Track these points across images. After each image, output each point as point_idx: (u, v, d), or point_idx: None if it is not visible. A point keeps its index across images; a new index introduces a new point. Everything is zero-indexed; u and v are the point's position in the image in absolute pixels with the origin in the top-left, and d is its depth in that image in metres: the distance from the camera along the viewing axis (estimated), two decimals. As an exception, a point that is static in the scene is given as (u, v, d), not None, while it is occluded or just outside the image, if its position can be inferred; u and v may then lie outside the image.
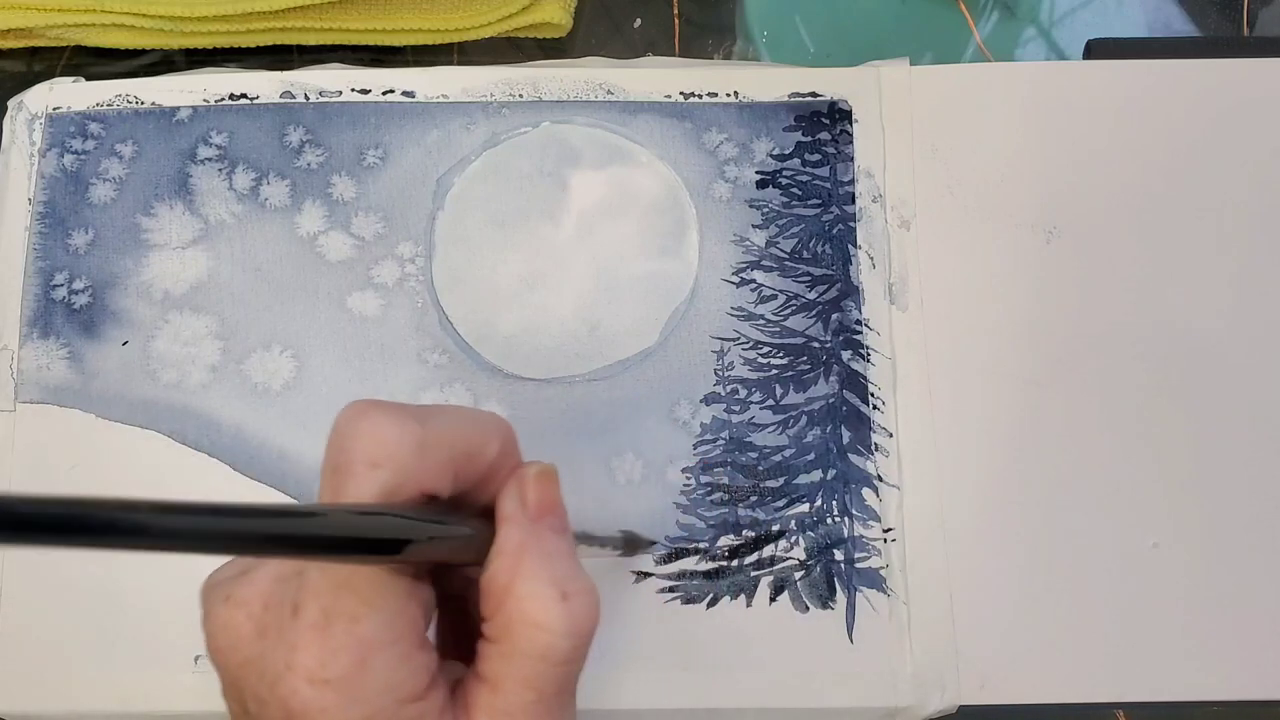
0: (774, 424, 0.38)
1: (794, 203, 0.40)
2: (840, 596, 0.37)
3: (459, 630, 0.27)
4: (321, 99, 0.41)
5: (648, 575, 0.37)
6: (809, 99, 0.41)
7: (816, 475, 0.38)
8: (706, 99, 0.41)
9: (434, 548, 0.23)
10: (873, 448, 0.38)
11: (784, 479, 0.38)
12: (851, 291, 0.39)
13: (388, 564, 0.23)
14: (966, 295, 0.39)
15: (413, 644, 0.24)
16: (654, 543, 0.37)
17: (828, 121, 0.41)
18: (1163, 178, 0.40)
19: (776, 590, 0.37)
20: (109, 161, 0.41)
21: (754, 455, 0.38)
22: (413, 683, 0.23)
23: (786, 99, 0.41)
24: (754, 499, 0.37)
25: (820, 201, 0.40)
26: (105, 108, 0.41)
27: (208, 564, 0.37)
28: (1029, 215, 0.40)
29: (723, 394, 0.38)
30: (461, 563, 0.25)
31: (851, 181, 0.40)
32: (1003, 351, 0.39)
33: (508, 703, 0.24)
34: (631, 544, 0.35)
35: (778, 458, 0.38)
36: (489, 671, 0.24)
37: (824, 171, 0.40)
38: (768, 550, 0.37)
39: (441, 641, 0.27)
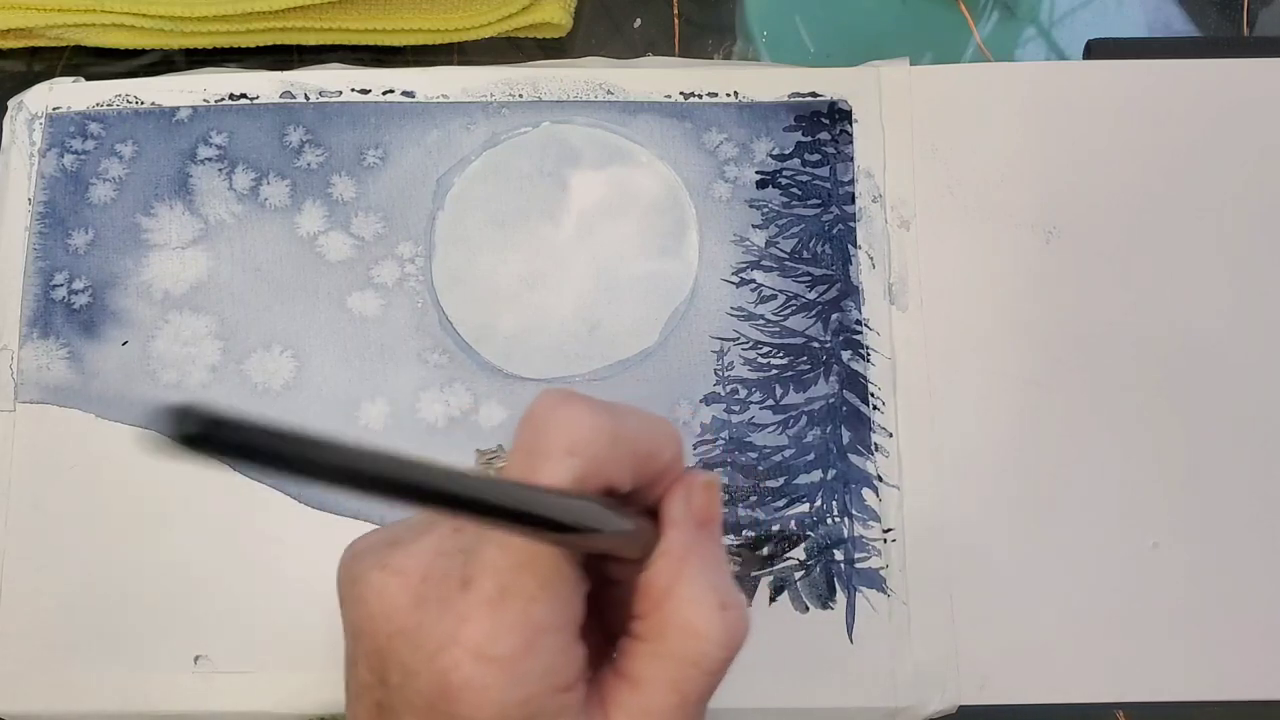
0: (774, 424, 0.38)
1: (794, 203, 0.40)
2: (840, 596, 0.37)
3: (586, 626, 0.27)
4: (321, 99, 0.41)
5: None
6: (809, 99, 0.41)
7: (816, 475, 0.38)
8: (706, 99, 0.41)
9: (613, 539, 0.24)
10: (873, 448, 0.38)
11: (784, 479, 0.38)
12: (851, 291, 0.39)
13: (573, 546, 0.23)
14: (966, 295, 0.39)
15: (574, 634, 0.24)
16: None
17: (828, 121, 0.41)
18: (1162, 178, 0.40)
19: (776, 590, 0.37)
20: (109, 161, 0.41)
21: (754, 455, 0.38)
22: (568, 672, 0.23)
23: (786, 99, 0.41)
24: (754, 499, 0.37)
25: (820, 201, 0.40)
26: (105, 108, 0.41)
27: (207, 565, 0.37)
28: (1029, 215, 0.40)
29: (723, 394, 0.38)
30: (626, 558, 0.25)
31: (851, 181, 0.40)
32: (1002, 351, 0.39)
33: (651, 703, 0.24)
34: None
35: (778, 458, 0.38)
36: (634, 670, 0.24)
37: (824, 171, 0.40)
38: (767, 550, 0.37)
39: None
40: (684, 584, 0.24)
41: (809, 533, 0.37)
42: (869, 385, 0.38)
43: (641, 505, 0.26)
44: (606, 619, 0.26)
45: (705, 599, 0.24)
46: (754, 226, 0.40)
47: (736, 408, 0.38)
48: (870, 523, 0.37)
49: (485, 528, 0.23)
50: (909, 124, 0.41)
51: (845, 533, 0.37)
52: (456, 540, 0.24)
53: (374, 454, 0.18)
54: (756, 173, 0.40)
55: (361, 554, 0.25)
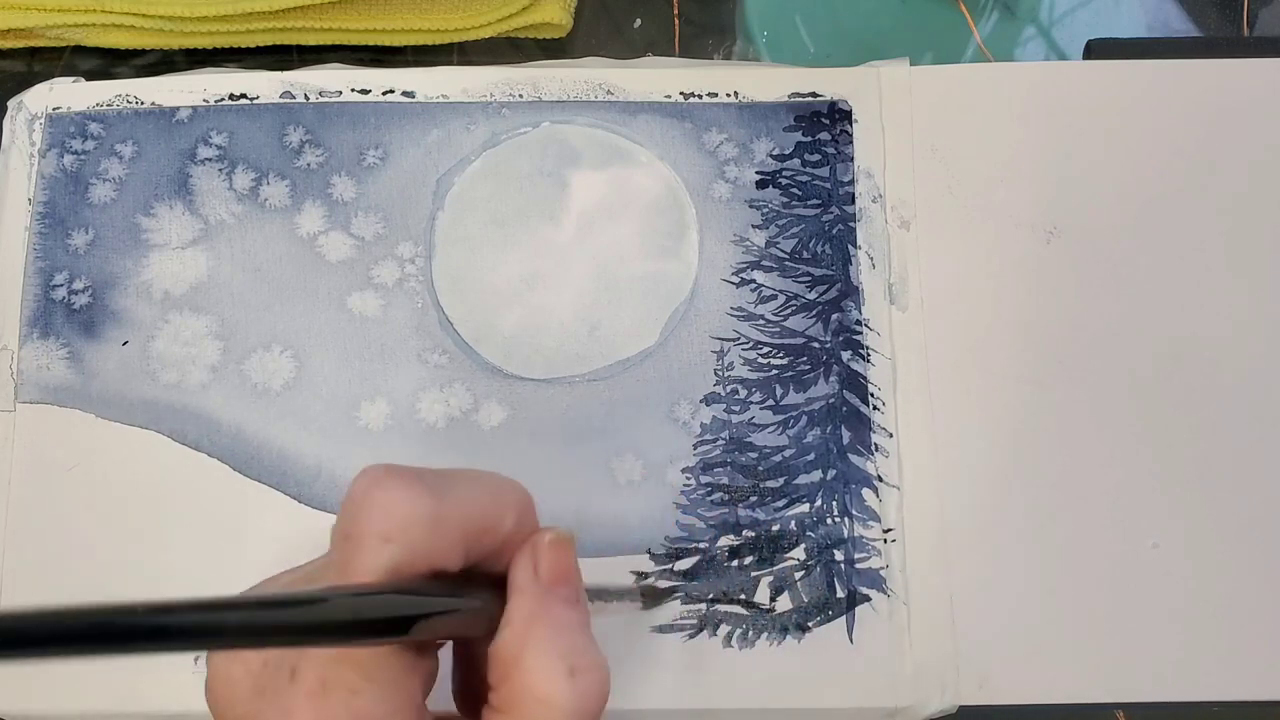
0: (774, 424, 0.38)
1: (794, 203, 0.40)
2: (840, 596, 0.37)
3: (478, 687, 0.27)
4: (321, 99, 0.41)
5: (646, 575, 0.37)
6: (809, 99, 0.41)
7: (816, 475, 0.38)
8: (706, 99, 0.41)
9: (441, 623, 0.23)
10: (873, 448, 0.38)
11: (784, 479, 0.38)
12: (851, 292, 0.39)
13: (394, 644, 0.23)
14: (966, 295, 0.39)
15: (409, 716, 0.23)
16: (676, 591, 0.36)
17: (828, 121, 0.41)
18: (1162, 178, 0.40)
19: (776, 590, 0.37)
20: (109, 162, 0.41)
21: (754, 455, 0.38)
22: None
23: (786, 99, 0.41)
24: (754, 499, 0.37)
25: (820, 201, 0.40)
26: (105, 108, 0.41)
27: (207, 565, 0.37)
28: (1029, 215, 0.40)
29: (723, 394, 0.38)
30: (470, 635, 0.25)
31: (851, 181, 0.40)
32: (1003, 351, 0.39)
33: None
34: (651, 594, 0.35)
35: (778, 458, 0.38)
36: None
37: (824, 171, 0.40)
38: (767, 550, 0.37)
39: (462, 699, 0.27)
40: (530, 653, 0.23)
41: (809, 532, 0.37)
42: (869, 385, 0.38)
43: (488, 575, 0.25)
44: (480, 687, 0.25)
45: (551, 666, 0.23)
46: (754, 226, 0.40)
47: (736, 408, 0.38)
48: (870, 523, 0.37)
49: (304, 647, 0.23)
50: (909, 124, 0.41)
51: (845, 533, 0.37)
52: None
53: (144, 608, 0.17)
54: (756, 173, 0.40)
55: None
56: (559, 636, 0.24)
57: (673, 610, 0.36)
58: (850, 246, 0.40)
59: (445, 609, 0.23)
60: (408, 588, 0.22)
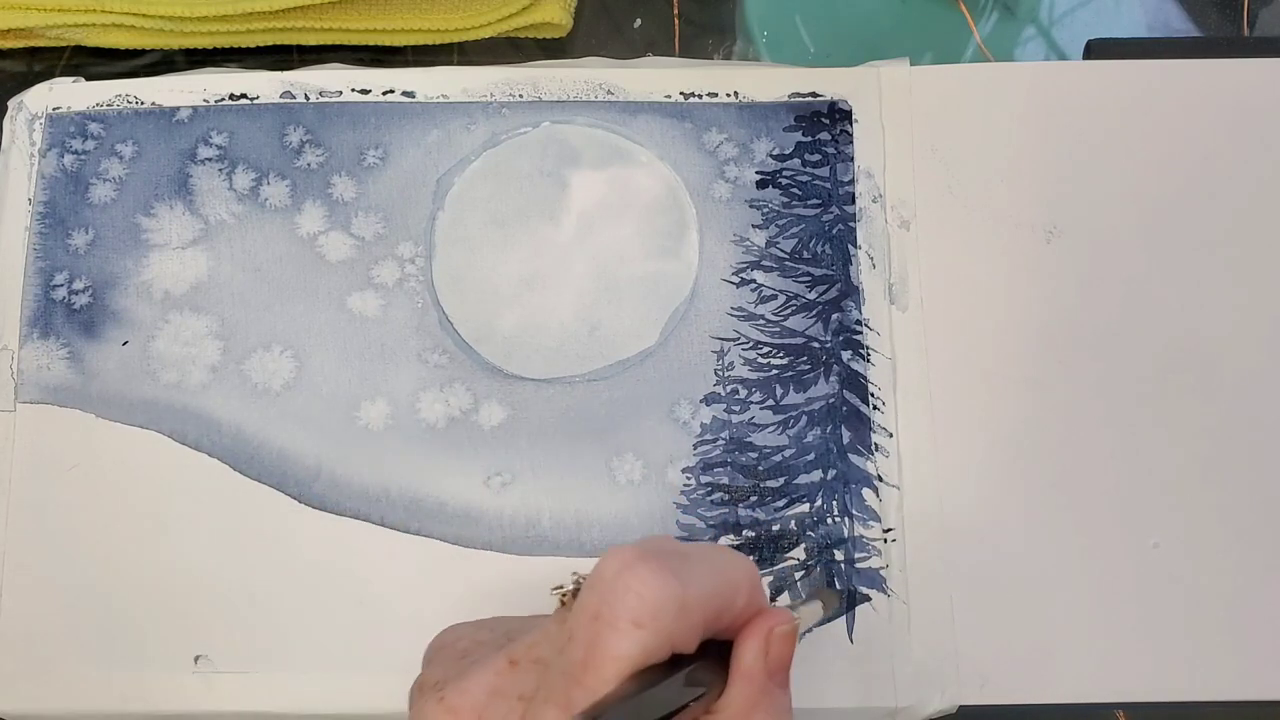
0: (774, 424, 0.38)
1: (794, 203, 0.40)
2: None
3: None
4: (321, 99, 0.41)
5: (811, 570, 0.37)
6: (809, 99, 0.41)
7: (817, 475, 0.38)
8: (706, 99, 0.41)
9: (671, 710, 0.24)
10: (873, 448, 0.38)
11: (784, 479, 0.38)
12: (851, 291, 0.39)
13: None
14: (966, 295, 0.39)
15: None
16: (840, 592, 0.36)
17: (828, 121, 0.41)
18: (1162, 177, 0.40)
19: (776, 590, 0.37)
20: (109, 162, 0.41)
21: (754, 455, 0.38)
22: None
23: (786, 99, 0.41)
24: (754, 499, 0.37)
25: (820, 201, 0.40)
26: (105, 108, 0.41)
27: (207, 565, 0.37)
28: (1029, 215, 0.40)
29: (723, 394, 0.38)
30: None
31: (851, 181, 0.40)
32: (1003, 351, 0.39)
33: None
34: (829, 599, 0.35)
35: (778, 458, 0.38)
36: None
37: (824, 171, 0.40)
38: (768, 550, 0.37)
39: None
40: None
41: (809, 532, 0.37)
42: (869, 385, 0.38)
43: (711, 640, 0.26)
44: None
45: None
46: (754, 226, 0.40)
47: (737, 408, 0.38)
48: (870, 523, 0.37)
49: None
50: (909, 124, 0.41)
51: (845, 533, 0.37)
52: (513, 679, 0.24)
53: None
54: (756, 173, 0.40)
55: (427, 686, 0.26)
56: None
57: None
58: (850, 246, 0.40)
59: (688, 697, 0.24)
60: (657, 684, 0.23)
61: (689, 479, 0.38)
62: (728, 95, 0.41)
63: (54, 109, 0.41)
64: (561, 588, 0.25)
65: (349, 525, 0.37)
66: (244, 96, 0.41)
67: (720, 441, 0.38)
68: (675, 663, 0.24)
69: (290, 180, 0.40)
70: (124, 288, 0.40)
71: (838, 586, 0.37)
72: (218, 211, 0.40)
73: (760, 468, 0.38)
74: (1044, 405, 0.38)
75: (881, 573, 0.37)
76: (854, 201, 0.40)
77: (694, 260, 0.40)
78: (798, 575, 0.37)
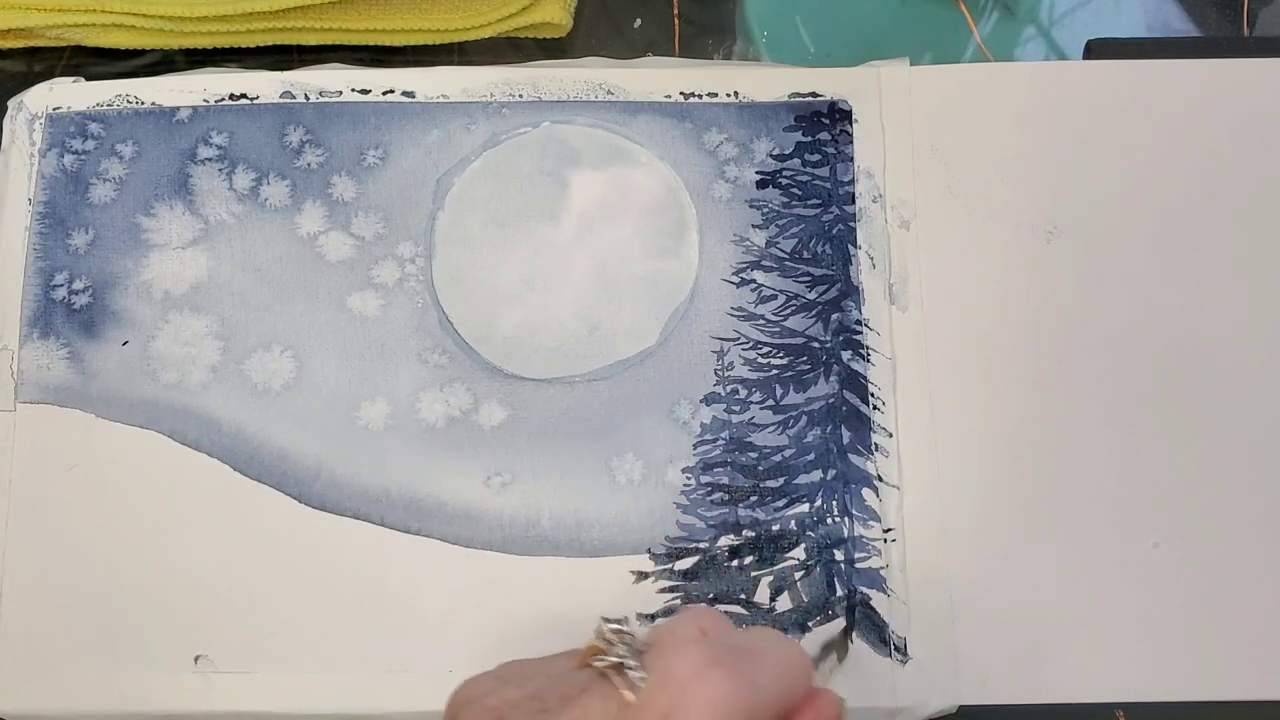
0: (774, 424, 0.38)
1: (794, 203, 0.40)
2: (840, 596, 0.37)
3: None
4: (321, 99, 0.41)
5: (646, 575, 0.37)
6: (809, 99, 0.41)
7: (816, 475, 0.38)
8: (706, 99, 0.41)
9: None
10: (873, 448, 0.38)
11: (784, 479, 0.38)
12: (851, 291, 0.39)
13: None
14: (966, 295, 0.39)
15: None
16: (849, 631, 0.36)
17: (828, 121, 0.41)
18: (1162, 177, 0.40)
19: (776, 590, 0.37)
20: (109, 161, 0.41)
21: (754, 455, 0.38)
22: None
23: (786, 99, 0.41)
24: (754, 499, 0.37)
25: (820, 201, 0.40)
26: (105, 108, 0.41)
27: (207, 565, 0.37)
28: (1029, 215, 0.40)
29: (723, 394, 0.38)
30: None
31: (851, 181, 0.40)
32: (1003, 351, 0.39)
33: None
34: (840, 647, 0.36)
35: (778, 458, 0.38)
36: None
37: (824, 171, 0.40)
38: (767, 550, 0.37)
39: None
40: None
41: (809, 532, 0.37)
42: (869, 385, 0.38)
43: None
44: None
45: None
46: (754, 226, 0.40)
47: (737, 408, 0.38)
48: (870, 523, 0.37)
49: None
50: (909, 124, 0.41)
51: (845, 533, 0.37)
52: (559, 693, 0.25)
53: None
54: (756, 173, 0.40)
55: (468, 701, 0.26)
56: None
57: (673, 610, 0.36)
58: (850, 246, 0.40)
59: None
60: None
61: (689, 479, 0.38)
62: (728, 95, 0.41)
63: (54, 109, 0.41)
64: (600, 654, 0.25)
65: (349, 525, 0.37)
66: (244, 96, 0.41)
67: (720, 441, 0.38)
68: None
69: (290, 180, 0.40)
70: (124, 288, 0.40)
71: (838, 599, 0.37)
72: (218, 211, 0.40)
73: (760, 468, 0.38)
74: (1044, 405, 0.38)
75: (881, 573, 0.37)
76: (854, 201, 0.40)
77: (694, 260, 0.40)
78: (798, 575, 0.37)
